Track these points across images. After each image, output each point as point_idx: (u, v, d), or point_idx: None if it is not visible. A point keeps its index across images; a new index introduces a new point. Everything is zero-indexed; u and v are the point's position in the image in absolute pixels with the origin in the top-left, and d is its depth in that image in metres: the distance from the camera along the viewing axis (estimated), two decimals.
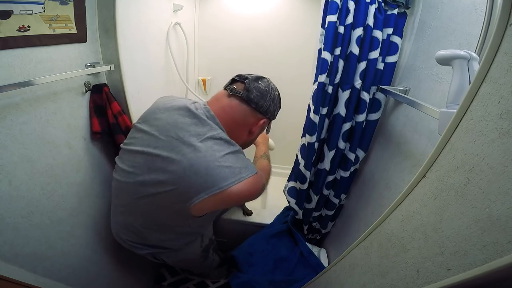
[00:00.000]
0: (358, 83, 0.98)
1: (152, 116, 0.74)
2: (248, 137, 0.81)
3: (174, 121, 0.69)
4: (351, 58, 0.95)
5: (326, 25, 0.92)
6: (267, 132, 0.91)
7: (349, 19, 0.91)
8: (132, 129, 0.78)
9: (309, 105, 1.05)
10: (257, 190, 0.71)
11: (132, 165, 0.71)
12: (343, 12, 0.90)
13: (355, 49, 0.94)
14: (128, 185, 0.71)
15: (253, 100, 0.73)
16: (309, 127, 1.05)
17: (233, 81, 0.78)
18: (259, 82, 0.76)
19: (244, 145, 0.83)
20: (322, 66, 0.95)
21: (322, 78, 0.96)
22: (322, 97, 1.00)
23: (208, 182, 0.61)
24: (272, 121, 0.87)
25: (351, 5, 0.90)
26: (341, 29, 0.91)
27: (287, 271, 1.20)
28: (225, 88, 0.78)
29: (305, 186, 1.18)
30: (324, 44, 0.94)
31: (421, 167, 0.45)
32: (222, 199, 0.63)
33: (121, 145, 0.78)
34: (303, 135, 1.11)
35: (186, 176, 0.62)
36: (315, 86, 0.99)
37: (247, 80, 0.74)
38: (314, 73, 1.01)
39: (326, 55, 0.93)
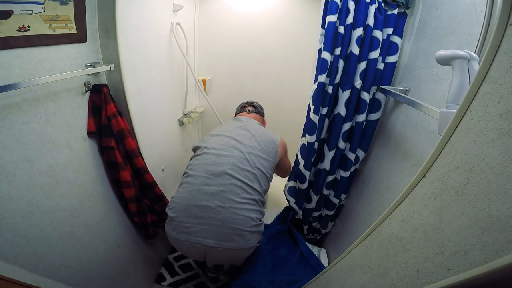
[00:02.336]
0: (358, 83, 0.98)
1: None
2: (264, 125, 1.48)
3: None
4: (351, 58, 0.95)
5: (326, 25, 0.92)
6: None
7: (349, 19, 0.91)
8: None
9: (309, 105, 1.05)
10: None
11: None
12: (343, 12, 0.90)
13: (355, 49, 0.94)
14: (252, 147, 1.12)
15: (260, 112, 1.44)
16: (309, 127, 1.05)
17: (244, 106, 1.45)
18: (255, 102, 1.47)
19: None
20: (322, 66, 0.95)
21: (322, 78, 0.96)
22: (322, 97, 1.00)
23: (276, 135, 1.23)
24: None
25: (351, 5, 0.90)
26: (341, 29, 0.91)
27: (287, 271, 1.20)
28: (243, 112, 1.42)
29: (305, 186, 1.18)
30: (324, 44, 0.94)
31: (421, 167, 0.45)
32: (282, 144, 1.22)
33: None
34: (303, 135, 1.11)
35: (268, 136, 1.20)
36: (315, 86, 0.99)
37: (253, 103, 1.45)
38: (314, 73, 1.01)
39: (326, 55, 0.93)
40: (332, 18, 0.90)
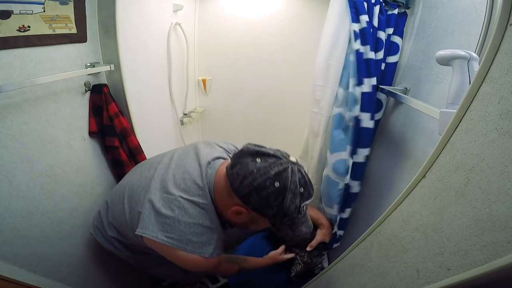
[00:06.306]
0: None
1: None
2: (231, 219, 0.65)
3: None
4: (382, 61, 0.94)
5: (364, 24, 0.88)
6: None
7: (375, 22, 0.90)
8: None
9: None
10: (193, 268, 0.65)
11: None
12: (371, 14, 0.88)
13: (381, 52, 0.93)
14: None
15: (229, 177, 0.58)
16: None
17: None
18: (253, 159, 0.57)
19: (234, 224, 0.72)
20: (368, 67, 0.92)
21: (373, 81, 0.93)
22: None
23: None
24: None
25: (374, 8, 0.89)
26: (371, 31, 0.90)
27: (286, 270, 1.20)
28: None
29: None
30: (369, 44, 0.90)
31: (421, 167, 0.45)
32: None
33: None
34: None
35: None
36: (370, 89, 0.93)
37: (236, 151, 0.63)
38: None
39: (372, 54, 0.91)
40: (365, 17, 0.87)
